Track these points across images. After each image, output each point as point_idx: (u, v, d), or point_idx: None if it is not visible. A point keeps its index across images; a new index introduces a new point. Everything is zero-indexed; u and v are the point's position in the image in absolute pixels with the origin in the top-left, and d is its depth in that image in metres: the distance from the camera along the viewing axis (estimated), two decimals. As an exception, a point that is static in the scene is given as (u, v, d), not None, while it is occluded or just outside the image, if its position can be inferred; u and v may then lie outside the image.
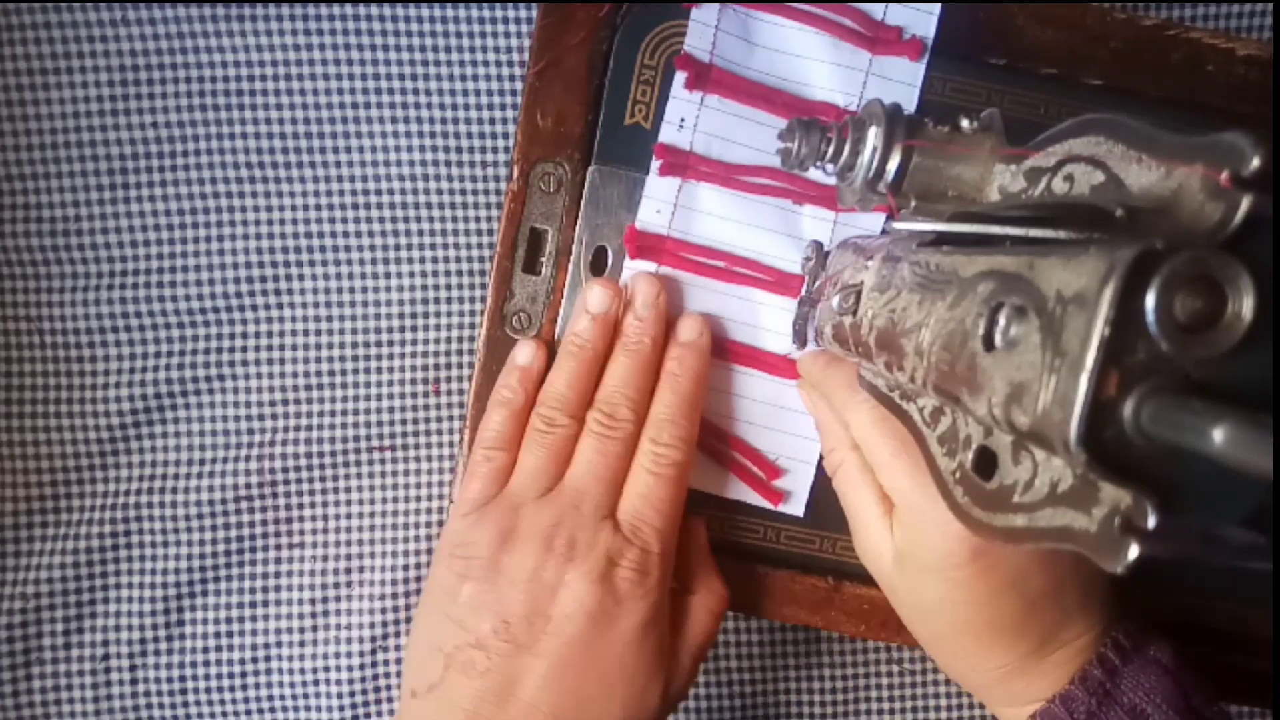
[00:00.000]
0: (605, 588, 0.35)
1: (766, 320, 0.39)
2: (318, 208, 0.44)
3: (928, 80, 0.38)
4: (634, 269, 0.38)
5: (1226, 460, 0.17)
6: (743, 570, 0.40)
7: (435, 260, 0.45)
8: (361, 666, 0.47)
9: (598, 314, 0.37)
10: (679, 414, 0.37)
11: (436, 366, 0.45)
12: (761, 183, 0.38)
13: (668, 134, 0.38)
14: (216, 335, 0.44)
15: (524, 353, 0.38)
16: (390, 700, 0.47)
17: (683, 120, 0.38)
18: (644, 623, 0.35)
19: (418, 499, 0.46)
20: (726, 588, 0.38)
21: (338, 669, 0.47)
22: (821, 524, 0.40)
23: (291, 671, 0.47)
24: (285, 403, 0.45)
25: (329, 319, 0.45)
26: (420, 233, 0.45)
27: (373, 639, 0.47)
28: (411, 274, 0.45)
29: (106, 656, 0.46)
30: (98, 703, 0.46)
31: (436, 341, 0.45)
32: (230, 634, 0.46)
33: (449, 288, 0.45)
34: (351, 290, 0.45)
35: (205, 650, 0.46)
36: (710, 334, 0.38)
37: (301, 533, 0.46)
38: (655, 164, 0.38)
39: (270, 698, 0.47)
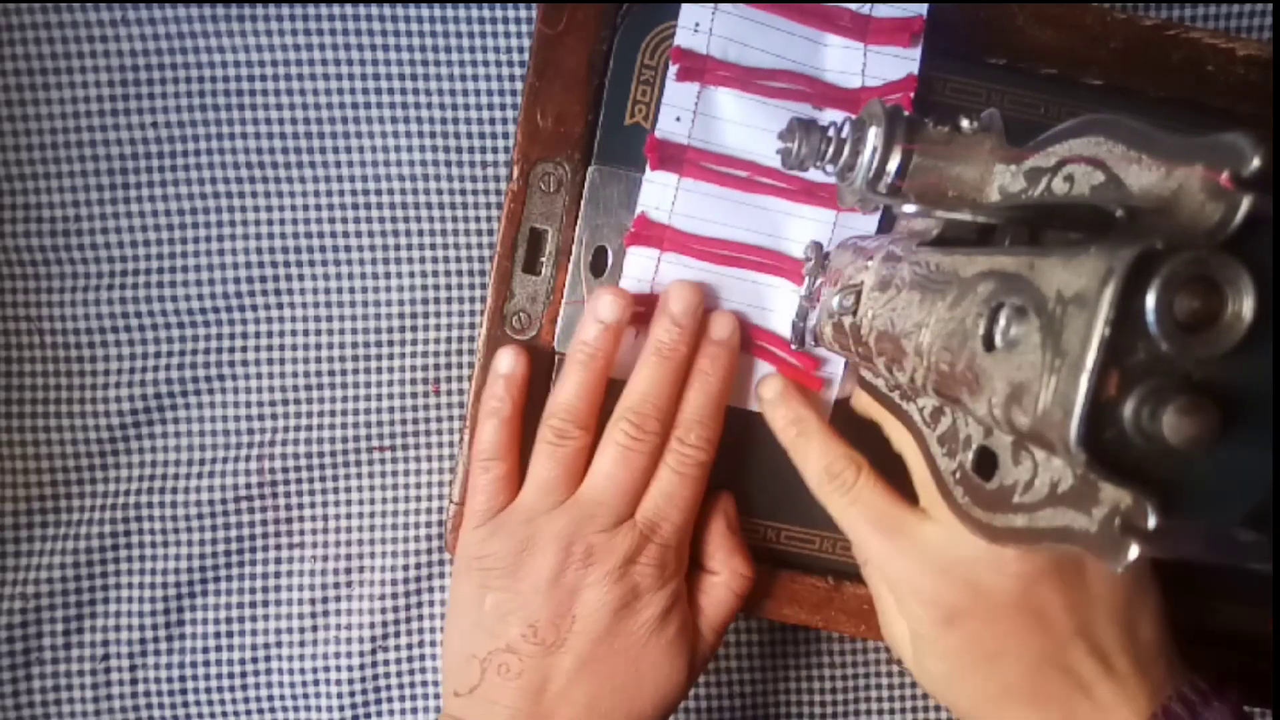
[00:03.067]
0: (625, 585, 0.36)
1: (791, 230, 0.39)
2: (318, 208, 0.44)
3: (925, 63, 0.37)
4: (655, 180, 0.38)
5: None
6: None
7: (435, 260, 0.45)
8: (361, 666, 0.47)
9: (609, 322, 0.37)
10: (708, 415, 0.37)
11: (436, 366, 0.45)
12: (780, 86, 0.38)
13: (683, 38, 0.37)
14: (216, 335, 0.44)
15: (505, 361, 0.38)
16: (390, 700, 0.47)
17: (698, 24, 0.37)
18: (663, 610, 0.37)
19: (418, 499, 0.46)
20: (752, 568, 0.39)
21: (338, 669, 0.47)
22: (822, 524, 0.40)
23: (291, 671, 0.47)
24: (285, 403, 0.45)
25: (329, 319, 0.45)
26: (420, 233, 0.45)
27: (373, 639, 0.47)
28: (411, 274, 0.45)
29: (106, 656, 0.46)
30: (98, 703, 0.46)
31: (436, 341, 0.45)
32: (230, 634, 0.46)
33: (449, 288, 0.45)
34: (351, 290, 0.45)
35: (205, 650, 0.46)
36: (739, 332, 0.38)
37: (301, 533, 0.46)
38: (673, 69, 0.37)
39: (270, 698, 0.47)
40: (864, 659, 0.49)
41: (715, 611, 0.38)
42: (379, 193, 0.44)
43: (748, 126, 0.38)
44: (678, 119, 0.38)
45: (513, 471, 0.38)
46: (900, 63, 0.37)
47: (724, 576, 0.38)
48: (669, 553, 0.37)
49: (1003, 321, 0.24)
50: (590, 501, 0.36)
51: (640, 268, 0.38)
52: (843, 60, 0.38)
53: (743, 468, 0.40)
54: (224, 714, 0.47)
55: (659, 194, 0.38)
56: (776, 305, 0.39)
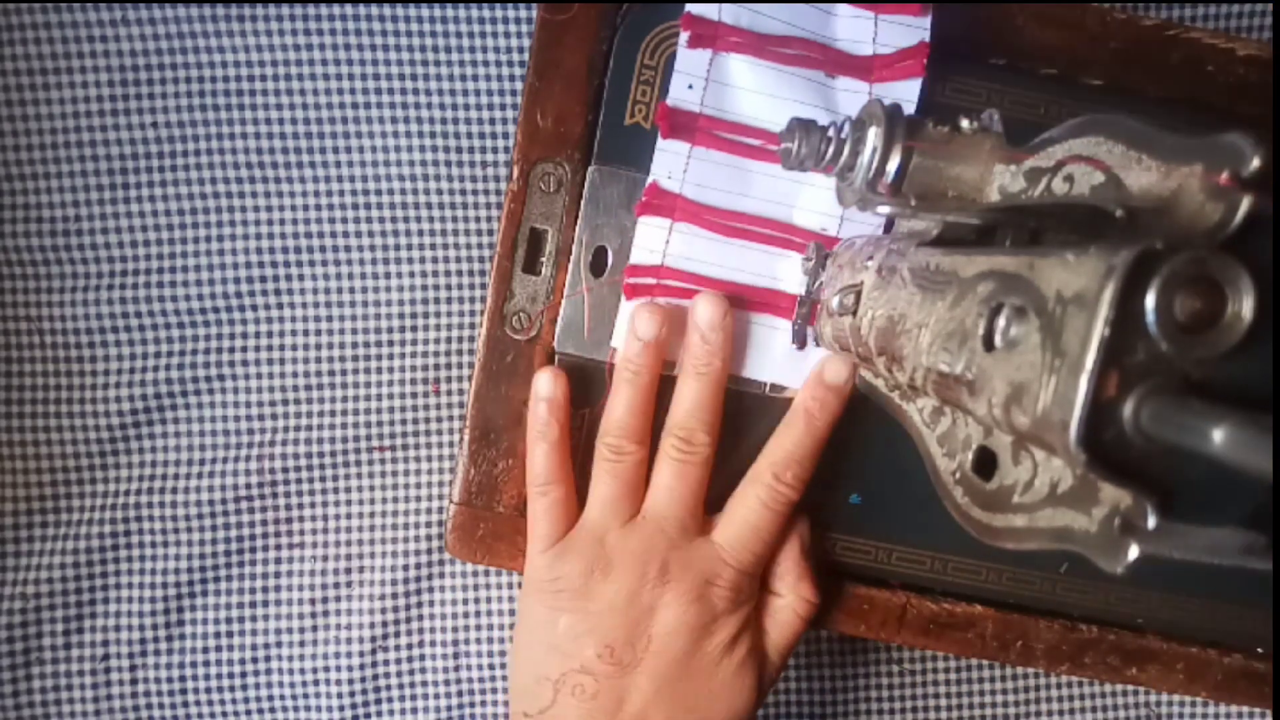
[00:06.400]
0: (702, 605, 0.36)
1: (803, 200, 0.38)
2: (318, 208, 0.44)
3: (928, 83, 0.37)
4: (666, 148, 0.37)
5: (1226, 461, 0.17)
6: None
7: (435, 260, 0.45)
8: (361, 666, 0.47)
9: (648, 340, 0.37)
10: (807, 456, 0.37)
11: (436, 366, 0.45)
12: (793, 53, 0.37)
13: (694, 4, 0.37)
14: (216, 335, 0.44)
15: (544, 384, 0.38)
16: (390, 700, 0.47)
17: None
18: (735, 633, 0.37)
19: (418, 499, 0.46)
20: (818, 594, 0.39)
21: (338, 669, 0.47)
22: (822, 524, 0.40)
23: (291, 671, 0.47)
24: (285, 403, 0.45)
25: (329, 319, 0.45)
26: (420, 233, 0.45)
27: (373, 639, 0.47)
28: (411, 274, 0.45)
29: (106, 656, 0.46)
30: (98, 703, 0.46)
31: (436, 341, 0.45)
32: (230, 634, 0.46)
33: (449, 288, 0.45)
34: (351, 290, 0.45)
35: (205, 650, 0.46)
36: (853, 376, 0.38)
37: (301, 533, 0.46)
38: (684, 35, 0.37)
39: (270, 698, 0.47)
40: (864, 659, 0.49)
41: (780, 634, 0.38)
42: (379, 193, 0.44)
43: (760, 94, 0.37)
44: (689, 86, 0.37)
45: (570, 494, 0.38)
46: (911, 31, 0.37)
47: (790, 600, 0.38)
48: (745, 579, 0.37)
49: (1002, 321, 0.24)
50: (657, 516, 0.37)
51: (651, 238, 0.38)
52: (854, 29, 0.37)
53: (745, 464, 0.39)
54: (224, 714, 0.47)
55: (670, 162, 0.38)
56: (785, 275, 0.39)
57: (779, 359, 0.39)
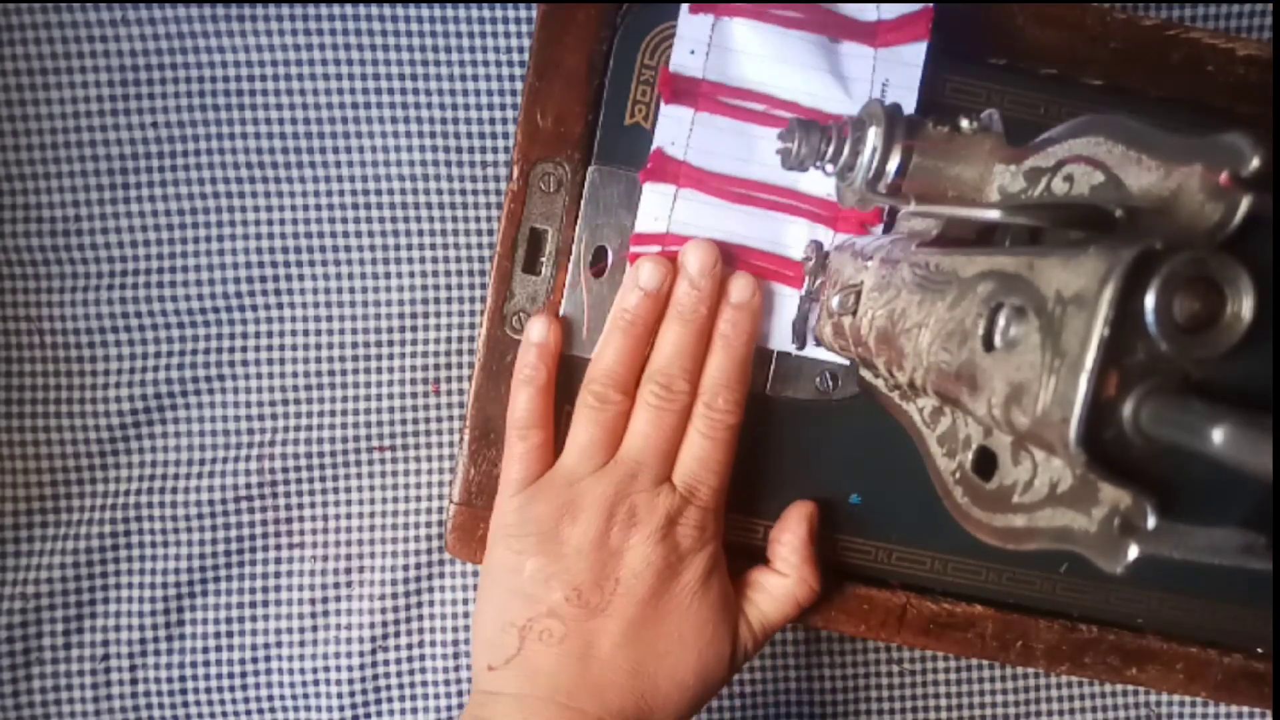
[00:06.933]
0: (668, 545, 0.36)
1: None
2: (318, 208, 0.44)
3: (928, 72, 0.37)
4: (669, 114, 0.37)
5: (1226, 461, 0.17)
6: (742, 571, 0.40)
7: (435, 260, 0.45)
8: (361, 666, 0.47)
9: (650, 290, 0.37)
10: (733, 378, 0.37)
11: (436, 366, 0.45)
12: (797, 16, 0.37)
13: None
14: (216, 335, 0.44)
15: (537, 329, 0.38)
16: (390, 700, 0.47)
17: None
18: (705, 572, 0.37)
19: (418, 499, 0.46)
20: (820, 583, 0.39)
21: (338, 669, 0.47)
22: (822, 524, 0.40)
23: (291, 671, 0.47)
24: (285, 403, 0.45)
25: (329, 319, 0.45)
26: (420, 233, 0.45)
27: (373, 639, 0.47)
28: (411, 274, 0.45)
29: (106, 656, 0.46)
30: (98, 703, 0.46)
31: (436, 341, 0.45)
32: (230, 634, 0.46)
33: (449, 288, 0.45)
34: (351, 290, 0.45)
35: (205, 650, 0.46)
36: (761, 293, 0.38)
37: (301, 533, 0.46)
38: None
39: (270, 698, 0.47)
40: (864, 659, 0.49)
41: (771, 608, 0.38)
42: (379, 193, 0.44)
43: (764, 58, 0.37)
44: (691, 52, 0.37)
45: (549, 440, 0.38)
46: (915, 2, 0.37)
47: (791, 580, 0.38)
48: (708, 515, 0.37)
49: (1002, 322, 0.24)
50: (630, 461, 0.37)
51: (656, 205, 0.38)
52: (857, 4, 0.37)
53: (743, 461, 0.39)
54: (224, 714, 0.47)
55: (674, 129, 0.37)
56: (792, 240, 0.39)
57: (787, 326, 0.39)
